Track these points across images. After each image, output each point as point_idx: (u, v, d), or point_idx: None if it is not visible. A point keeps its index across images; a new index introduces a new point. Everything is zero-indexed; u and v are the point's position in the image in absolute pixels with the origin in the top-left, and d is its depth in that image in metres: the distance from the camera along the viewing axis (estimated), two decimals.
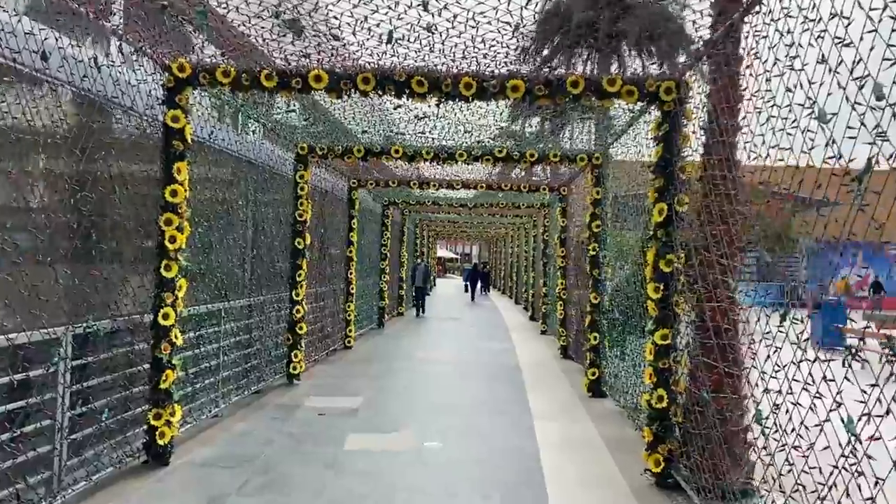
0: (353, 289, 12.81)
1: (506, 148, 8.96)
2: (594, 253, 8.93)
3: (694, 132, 5.08)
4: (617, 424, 7.32)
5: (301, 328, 9.14)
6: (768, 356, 3.47)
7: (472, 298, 30.07)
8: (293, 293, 9.10)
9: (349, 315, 12.75)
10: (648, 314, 5.48)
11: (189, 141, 5.65)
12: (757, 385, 3.66)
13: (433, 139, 8.41)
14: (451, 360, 11.63)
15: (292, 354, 9.10)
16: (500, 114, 6.68)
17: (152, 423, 5.43)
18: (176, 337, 5.58)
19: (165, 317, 5.48)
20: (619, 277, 8.59)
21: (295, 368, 9.11)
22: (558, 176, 13.30)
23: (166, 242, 5.51)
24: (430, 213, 21.92)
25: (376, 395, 8.46)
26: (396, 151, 9.05)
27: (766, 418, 3.54)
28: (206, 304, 6.77)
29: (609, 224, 8.95)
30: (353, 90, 5.55)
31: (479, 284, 31.30)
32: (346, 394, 8.54)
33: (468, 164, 9.21)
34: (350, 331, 12.76)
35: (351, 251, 12.78)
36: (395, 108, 6.38)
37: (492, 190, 12.71)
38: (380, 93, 5.53)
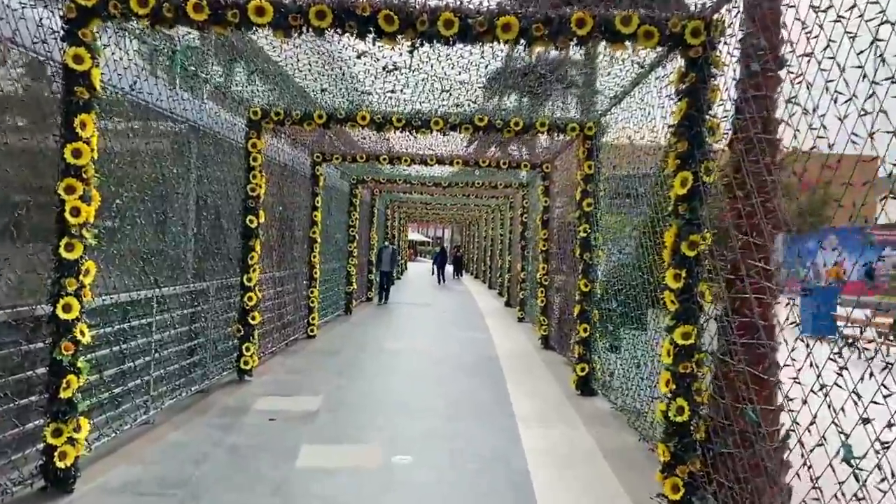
0: (316, 273, 11.71)
1: (487, 116, 7.91)
2: (585, 235, 7.95)
3: (735, 77, 4.09)
4: (614, 430, 6.39)
5: (254, 318, 8.05)
6: (872, 374, 2.51)
7: (441, 281, 29.72)
8: (245, 278, 7.98)
9: (312, 302, 11.65)
10: (666, 307, 4.52)
11: (97, 88, 4.50)
12: (842, 410, 2.70)
13: (405, 101, 7.32)
14: (423, 351, 10.62)
15: (243, 347, 8.01)
16: (486, 66, 5.64)
17: (50, 440, 4.33)
18: (82, 333, 4.47)
19: (67, 308, 4.36)
20: (613, 262, 7.65)
21: (247, 363, 8.02)
22: (537, 154, 12.31)
23: (68, 216, 4.38)
24: (401, 192, 20.82)
25: (339, 395, 7.42)
26: (363, 118, 7.95)
27: (861, 458, 2.58)
28: (131, 291, 5.64)
29: (602, 203, 7.97)
30: (305, 28, 4.46)
31: (450, 268, 30.74)
32: (305, 392, 7.49)
33: (444, 133, 8.14)
34: (313, 319, 11.67)
35: (315, 232, 11.67)
36: (358, 57, 5.30)
37: (468, 167, 11.67)
38: (339, 32, 4.44)
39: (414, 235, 65.88)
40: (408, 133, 8.57)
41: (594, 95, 7.91)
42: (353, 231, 15.70)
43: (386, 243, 20.03)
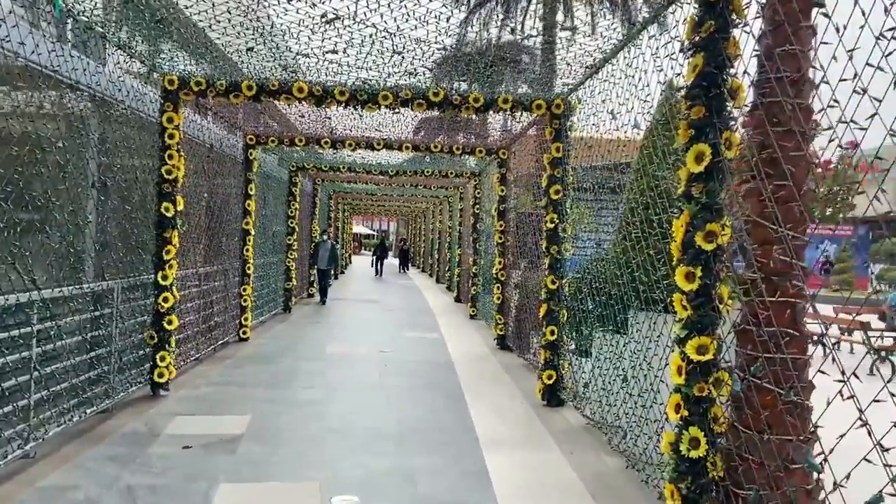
0: (250, 268, 10.53)
1: (443, 91, 6.93)
2: (553, 226, 7.07)
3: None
4: (592, 450, 5.52)
5: (170, 322, 6.88)
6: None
7: (379, 274, 29.53)
8: (159, 276, 6.81)
9: (245, 300, 10.47)
10: (665, 311, 3.64)
11: None
12: None
13: (348, 66, 6.27)
14: (370, 356, 9.59)
15: (158, 357, 6.83)
16: (447, 19, 4.65)
17: None
18: None
19: None
20: (589, 256, 6.81)
21: (161, 375, 6.85)
22: (491, 140, 11.40)
23: None
24: (345, 182, 19.63)
25: (271, 413, 6.34)
26: (300, 90, 6.86)
27: None
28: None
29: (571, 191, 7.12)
30: None
31: (395, 261, 30.13)
32: (230, 411, 6.38)
33: (394, 110, 7.13)
34: (246, 319, 10.49)
35: (248, 223, 10.48)
36: (289, 1, 4.23)
37: (419, 152, 10.69)
38: None
39: (359, 228, 64.50)
40: (352, 110, 7.55)
41: (554, 74, 7.04)
42: (292, 222, 14.51)
43: (324, 237, 17.26)
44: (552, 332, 7.08)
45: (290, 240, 14.45)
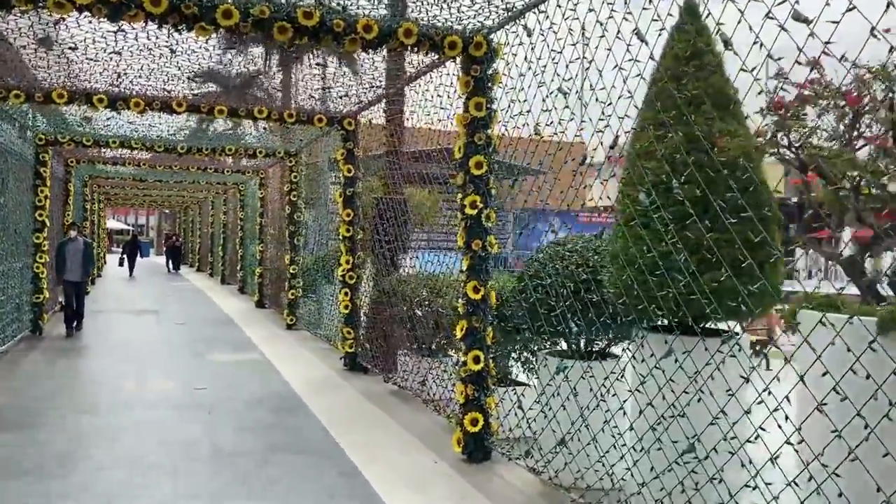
0: None
1: (318, 11, 4.62)
2: (475, 212, 5.12)
3: None
4: None
5: None
6: None
7: (131, 274, 26.60)
8: None
9: None
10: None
11: None
12: None
13: None
14: (179, 399, 6.84)
15: None
16: None
17: None
18: None
19: None
20: (544, 249, 4.99)
21: None
22: (324, 110, 9.07)
23: None
24: (108, 164, 15.71)
25: None
26: None
27: None
28: None
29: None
30: None
31: (135, 257, 27.87)
32: None
33: (244, 34, 4.64)
34: None
35: None
36: None
37: (237, 118, 8.06)
38: None
39: (112, 223, 56.28)
40: (163, 35, 4.91)
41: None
42: (42, 215, 10.77)
43: (73, 233, 11.21)
44: (476, 360, 5.12)
45: (38, 238, 10.70)
